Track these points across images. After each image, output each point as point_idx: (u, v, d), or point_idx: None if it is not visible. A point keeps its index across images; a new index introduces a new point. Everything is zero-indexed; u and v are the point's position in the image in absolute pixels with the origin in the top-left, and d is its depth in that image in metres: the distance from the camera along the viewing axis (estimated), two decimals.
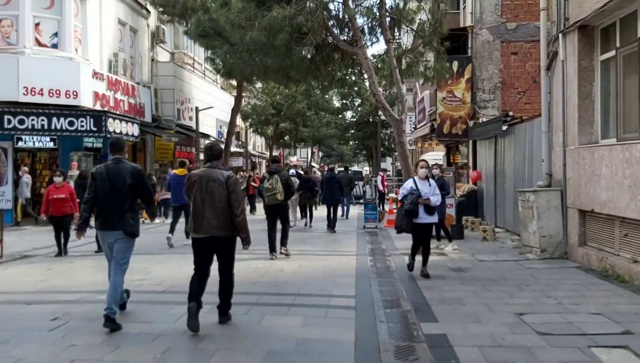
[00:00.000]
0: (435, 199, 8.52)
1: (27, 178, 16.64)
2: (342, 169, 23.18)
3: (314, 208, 18.03)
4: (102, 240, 6.17)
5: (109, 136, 18.23)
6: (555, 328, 5.63)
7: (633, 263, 7.76)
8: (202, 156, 25.48)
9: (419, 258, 8.82)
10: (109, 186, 5.93)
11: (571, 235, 9.74)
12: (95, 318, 6.15)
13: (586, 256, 9.12)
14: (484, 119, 16.37)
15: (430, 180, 8.82)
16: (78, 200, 13.81)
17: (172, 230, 12.52)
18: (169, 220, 17.21)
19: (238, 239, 6.01)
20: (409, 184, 8.69)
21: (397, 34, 13.75)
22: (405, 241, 12.25)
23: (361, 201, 24.50)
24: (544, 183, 10.52)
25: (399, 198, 8.85)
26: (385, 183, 24.73)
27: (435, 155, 24.84)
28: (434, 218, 8.67)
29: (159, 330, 5.71)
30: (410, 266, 8.79)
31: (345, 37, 12.37)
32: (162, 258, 10.45)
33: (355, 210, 22.51)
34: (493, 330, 5.62)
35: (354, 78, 15.38)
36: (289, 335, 5.52)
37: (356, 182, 26.26)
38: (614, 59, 8.77)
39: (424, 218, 8.45)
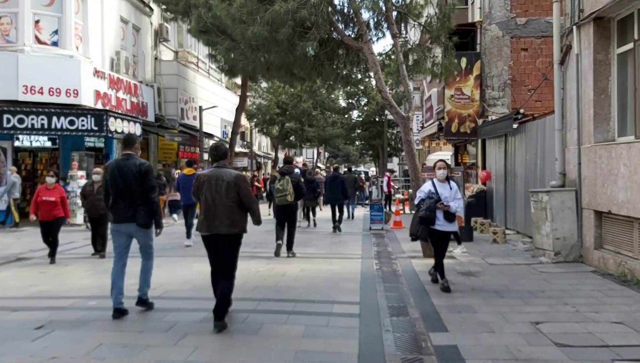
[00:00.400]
0: (456, 205, 7.54)
1: (15, 178, 16.31)
2: (346, 170, 22.83)
3: (318, 208, 17.79)
4: (116, 232, 6.36)
5: (110, 135, 17.96)
6: (574, 339, 5.21)
7: None
8: (206, 156, 25.32)
9: (428, 261, 8.38)
10: (120, 182, 6.22)
11: (586, 238, 9.30)
12: (82, 326, 5.82)
13: (602, 259, 8.69)
14: (494, 117, 15.93)
15: (452, 183, 7.79)
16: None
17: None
18: (179, 221, 16.98)
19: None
20: (427, 187, 7.75)
21: (403, 29, 13.32)
22: (412, 243, 11.84)
23: (367, 201, 24.16)
24: (558, 183, 10.08)
25: (415, 202, 7.94)
26: (392, 184, 24.28)
27: (443, 155, 24.35)
28: (454, 226, 7.68)
29: (148, 341, 5.33)
30: (445, 286, 7.42)
31: (350, 32, 11.98)
32: (160, 261, 9.98)
33: (362, 211, 22.12)
34: (508, 341, 5.22)
35: (359, 76, 14.93)
36: (287, 347, 5.13)
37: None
38: (632, 51, 8.33)
39: (442, 225, 7.49)
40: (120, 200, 6.24)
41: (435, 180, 7.75)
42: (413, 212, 16.21)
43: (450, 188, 7.66)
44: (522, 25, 16.47)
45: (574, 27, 9.50)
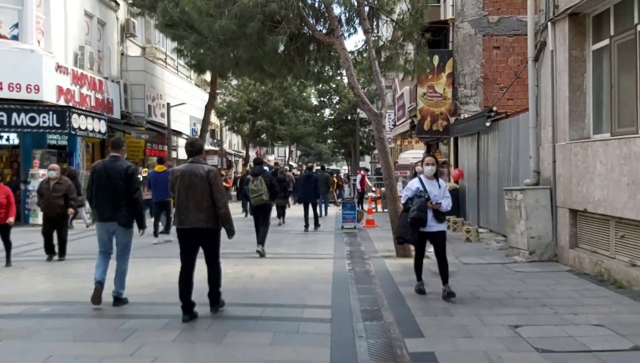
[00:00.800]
0: (447, 203, 6.99)
1: None
2: (319, 168, 22.60)
3: (287, 206, 17.69)
4: (100, 230, 6.67)
5: (73, 132, 17.35)
6: (556, 344, 4.99)
7: (631, 267, 7.19)
8: (174, 154, 24.69)
9: (402, 261, 8.12)
10: (107, 182, 6.51)
11: (561, 236, 9.17)
12: (33, 336, 5.39)
13: (578, 259, 8.55)
14: (466, 115, 15.82)
15: (440, 180, 7.24)
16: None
17: (156, 232, 12.54)
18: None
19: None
20: (414, 184, 7.09)
21: (375, 25, 13.06)
22: (386, 243, 11.65)
23: (339, 200, 23.96)
24: (532, 181, 9.93)
25: (402, 202, 7.35)
26: (367, 182, 24.04)
27: (415, 153, 24.27)
28: (444, 226, 7.08)
29: (103, 351, 4.92)
30: (421, 288, 7.18)
31: (321, 28, 11.65)
32: None
33: (335, 209, 21.86)
34: (486, 347, 4.97)
35: (331, 73, 14.61)
36: (254, 357, 4.79)
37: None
38: (608, 48, 8.20)
39: (432, 225, 6.91)
40: (104, 200, 6.53)
41: (422, 177, 7.17)
42: (386, 211, 16.02)
43: (439, 186, 7.14)
44: (494, 24, 16.40)
45: (549, 23, 9.35)
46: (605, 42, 8.27)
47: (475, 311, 6.17)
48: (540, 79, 10.06)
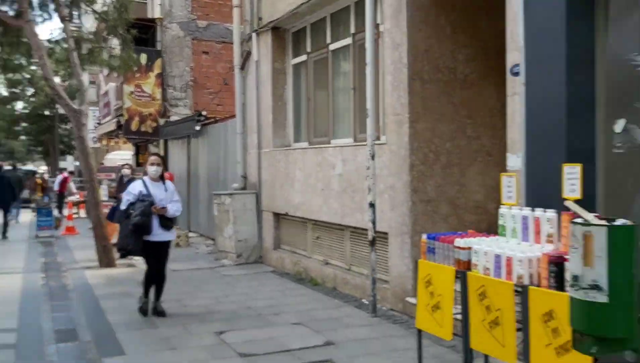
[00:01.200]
0: (175, 208, 6.40)
1: None
2: (10, 168, 19.92)
3: None
4: None
5: None
6: (258, 346, 5.12)
7: (324, 265, 7.89)
8: None
9: (106, 272, 7.52)
10: None
11: (266, 239, 9.63)
12: None
13: (280, 259, 9.07)
14: (176, 118, 15.65)
15: (167, 182, 6.61)
16: None
17: None
18: None
19: None
20: (136, 187, 6.32)
21: (77, 14, 12.02)
22: (87, 251, 10.76)
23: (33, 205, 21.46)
24: (240, 186, 10.23)
25: (123, 207, 6.39)
26: (71, 185, 21.91)
27: (123, 154, 23.15)
28: (172, 234, 6.50)
29: None
30: (145, 308, 6.39)
31: (7, 8, 10.20)
32: None
33: (28, 215, 19.45)
34: (191, 357, 4.86)
35: (23, 61, 12.92)
36: None
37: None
38: (305, 63, 8.89)
39: (159, 234, 6.23)
40: None
41: (146, 179, 6.42)
42: (86, 216, 14.83)
43: (166, 189, 6.50)
44: (203, 29, 16.60)
45: (254, 35, 9.73)
46: (303, 57, 8.95)
47: (182, 321, 6.02)
48: (246, 87, 10.42)
